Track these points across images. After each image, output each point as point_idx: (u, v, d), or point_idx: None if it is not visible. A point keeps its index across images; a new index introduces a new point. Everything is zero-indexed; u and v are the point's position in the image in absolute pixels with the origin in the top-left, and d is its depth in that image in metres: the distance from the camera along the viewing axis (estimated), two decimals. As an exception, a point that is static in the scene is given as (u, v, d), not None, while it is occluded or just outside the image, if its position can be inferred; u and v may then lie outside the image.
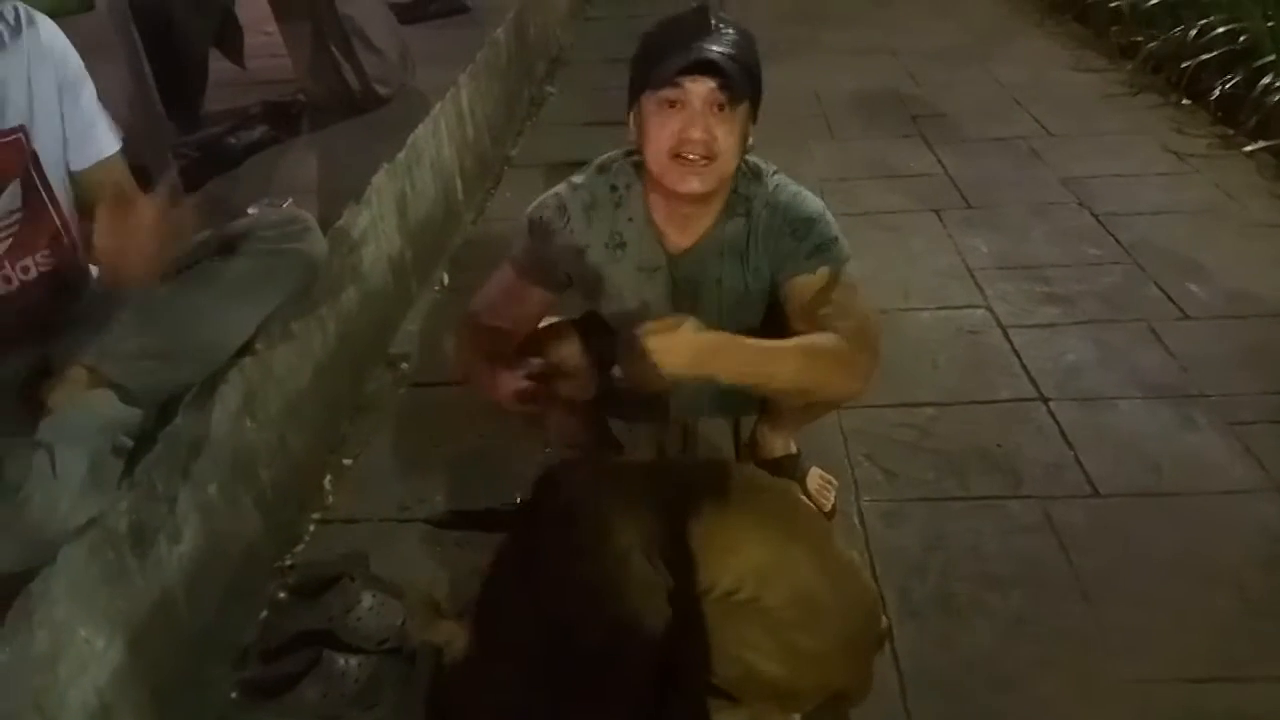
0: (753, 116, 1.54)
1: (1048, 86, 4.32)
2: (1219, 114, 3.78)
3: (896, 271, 2.88)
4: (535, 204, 1.68)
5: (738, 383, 1.45)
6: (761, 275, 1.63)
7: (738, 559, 1.46)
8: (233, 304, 1.67)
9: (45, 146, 1.52)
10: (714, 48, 1.42)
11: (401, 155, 2.75)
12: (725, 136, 1.47)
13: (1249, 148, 3.47)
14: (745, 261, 1.62)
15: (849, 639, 1.48)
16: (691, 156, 1.47)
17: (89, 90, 1.61)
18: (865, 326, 1.53)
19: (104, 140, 1.63)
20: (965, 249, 3.00)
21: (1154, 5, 4.35)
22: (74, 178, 1.61)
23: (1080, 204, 3.23)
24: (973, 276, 2.84)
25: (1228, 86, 3.70)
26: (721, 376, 1.42)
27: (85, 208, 1.62)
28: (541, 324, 1.73)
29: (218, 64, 3.02)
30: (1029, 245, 3.00)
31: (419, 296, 2.86)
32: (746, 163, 1.61)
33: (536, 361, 1.55)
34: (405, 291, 2.78)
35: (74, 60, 1.58)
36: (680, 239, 1.62)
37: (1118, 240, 2.98)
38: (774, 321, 1.65)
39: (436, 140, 3.07)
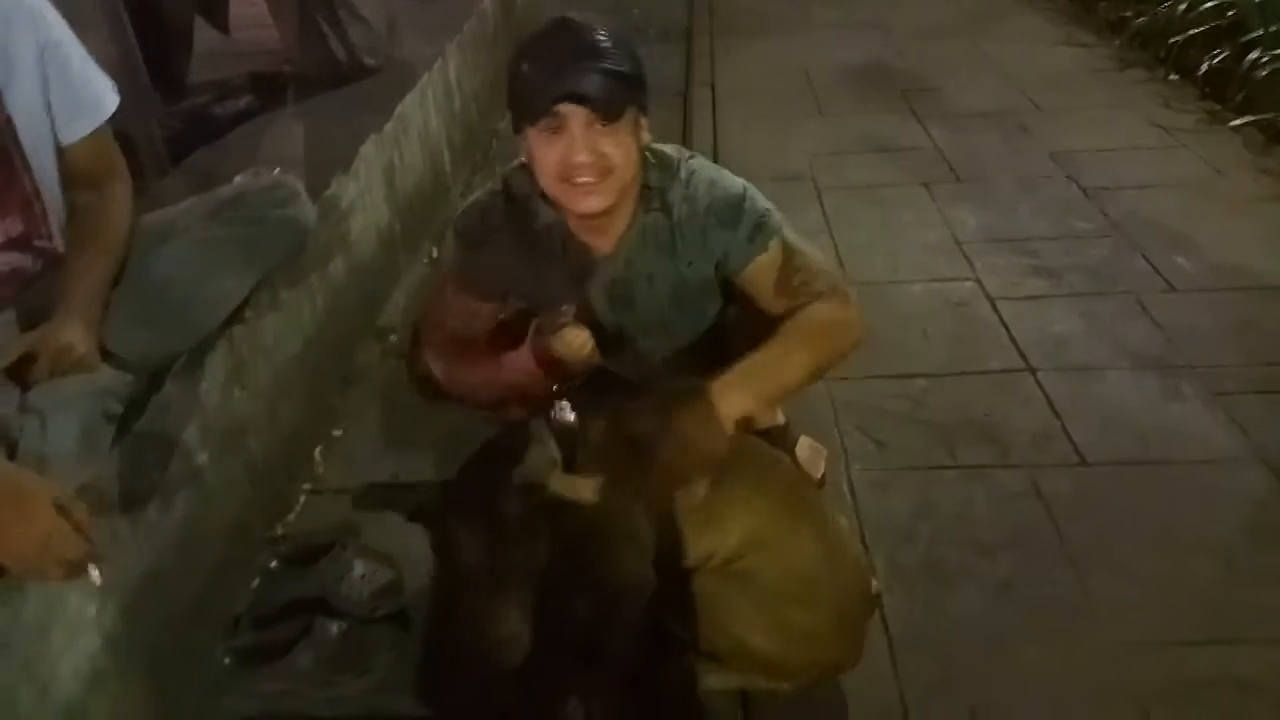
0: (644, 110, 1.47)
1: (1036, 61, 4.33)
2: (1206, 89, 3.80)
3: (886, 245, 2.89)
4: (459, 213, 1.62)
5: (774, 403, 1.46)
6: (697, 267, 1.57)
7: (738, 528, 1.45)
8: (221, 271, 1.66)
9: (22, 112, 1.49)
10: (586, 66, 1.35)
11: (389, 126, 2.73)
12: (614, 149, 1.41)
13: (1236, 122, 3.49)
14: (674, 254, 1.57)
15: (840, 616, 1.48)
16: (582, 180, 1.41)
17: (78, 55, 1.56)
18: (836, 277, 1.53)
19: (95, 111, 1.59)
20: (954, 222, 3.00)
21: (1142, -20, 4.37)
22: (63, 149, 1.57)
23: (1068, 178, 3.25)
24: (961, 249, 2.85)
25: (1215, 61, 3.71)
26: (760, 410, 1.41)
27: (71, 179, 1.59)
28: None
29: (203, 34, 2.98)
30: (1017, 219, 3.01)
31: (407, 269, 2.85)
32: (652, 154, 1.55)
33: (545, 328, 1.51)
34: (393, 263, 2.76)
35: (56, 24, 1.54)
36: (600, 243, 1.57)
37: (1105, 214, 2.99)
38: (727, 311, 1.63)
39: (424, 112, 3.05)
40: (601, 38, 1.39)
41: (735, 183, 1.56)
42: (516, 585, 1.24)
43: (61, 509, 1.17)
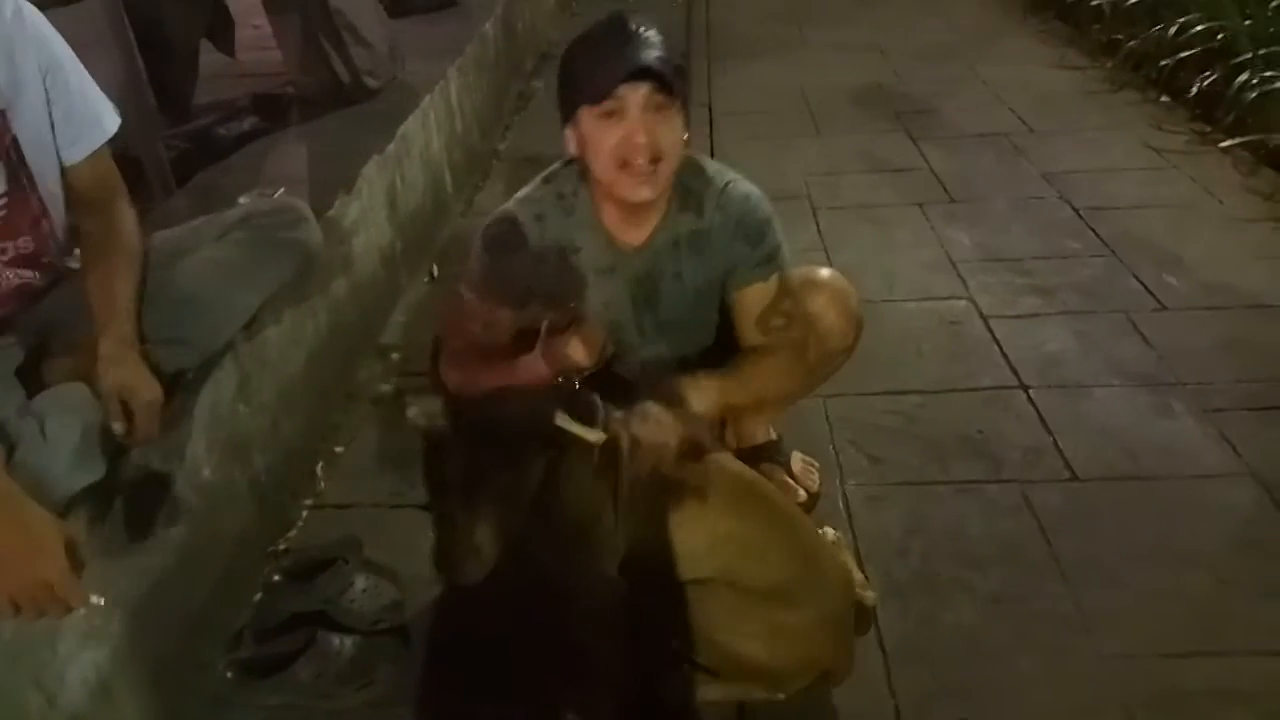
0: (685, 106, 1.55)
1: (1030, 83, 4.38)
2: (1197, 111, 3.85)
3: (881, 263, 2.93)
4: (486, 224, 1.68)
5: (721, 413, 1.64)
6: (717, 270, 1.67)
7: (714, 542, 1.48)
8: (230, 290, 1.69)
9: (27, 131, 1.51)
10: (646, 50, 1.45)
11: (391, 147, 2.78)
12: (667, 135, 1.49)
13: (1226, 143, 3.54)
14: (704, 255, 1.65)
15: (826, 615, 1.51)
16: (639, 162, 1.48)
17: (77, 76, 1.58)
18: (806, 335, 1.68)
19: (95, 132, 1.61)
20: (948, 241, 3.04)
21: (1134, 4, 4.43)
22: (65, 170, 1.59)
23: (1061, 198, 3.29)
24: (955, 268, 2.89)
25: (1206, 84, 3.76)
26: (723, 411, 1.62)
27: (74, 199, 1.62)
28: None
29: (208, 56, 3.03)
30: (1010, 238, 3.05)
31: (408, 288, 2.88)
32: (686, 157, 1.62)
33: (554, 333, 1.57)
34: (395, 282, 2.80)
35: (58, 44, 1.56)
36: (631, 238, 1.65)
37: (1097, 234, 3.03)
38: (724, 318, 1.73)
39: (426, 133, 3.10)
40: (654, 33, 1.49)
41: (765, 204, 1.66)
42: (491, 504, 1.28)
43: (69, 550, 1.20)
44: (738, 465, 1.60)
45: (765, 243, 1.63)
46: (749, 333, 1.66)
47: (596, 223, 1.63)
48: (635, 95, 1.45)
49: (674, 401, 1.49)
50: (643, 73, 1.43)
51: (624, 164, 1.49)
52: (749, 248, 1.62)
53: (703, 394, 1.54)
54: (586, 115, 1.50)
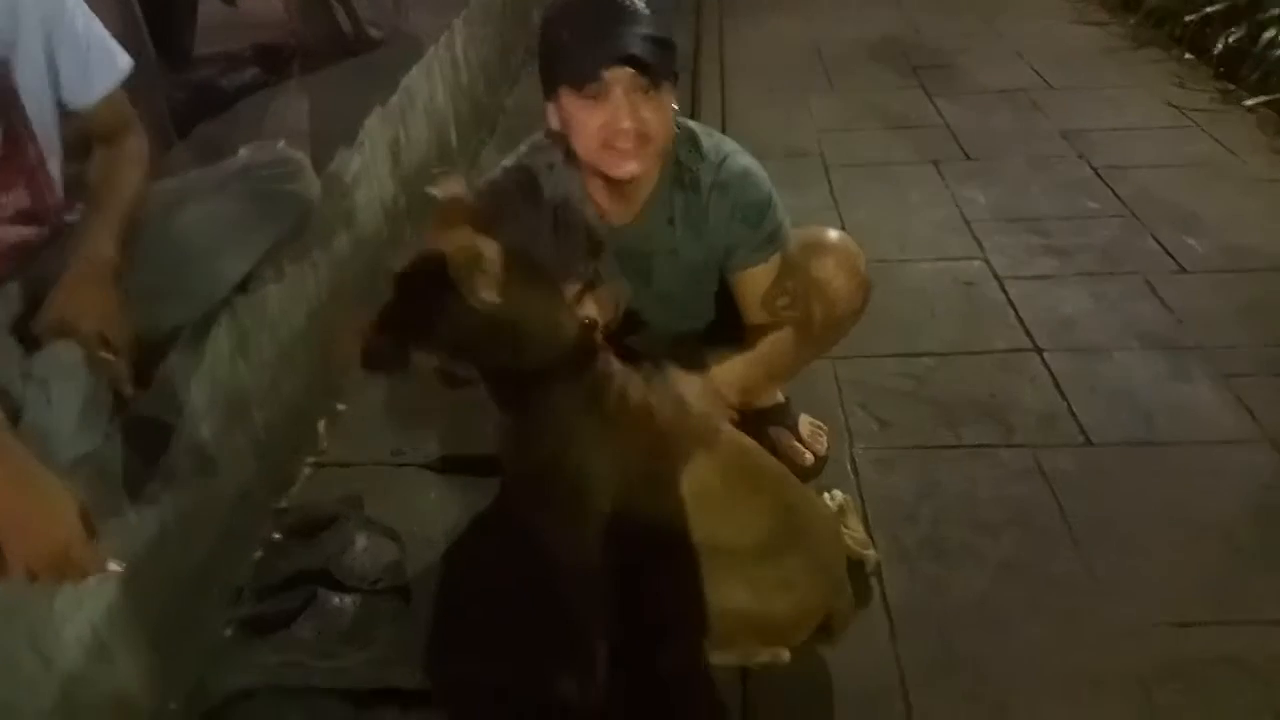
0: (675, 80, 1.50)
1: (1050, 39, 4.29)
2: (1221, 69, 3.76)
3: (894, 222, 2.87)
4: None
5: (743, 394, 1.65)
6: (716, 250, 1.63)
7: (697, 501, 1.45)
8: (225, 244, 1.65)
9: (27, 81, 1.47)
10: (631, 32, 1.37)
11: (395, 99, 2.72)
12: (654, 116, 1.44)
13: (1250, 102, 3.46)
14: (701, 233, 1.61)
15: (813, 562, 1.48)
16: (624, 146, 1.43)
17: (83, 19, 1.54)
18: (810, 315, 1.64)
19: (110, 73, 1.58)
20: (963, 201, 2.99)
21: (1158, -42, 4.31)
22: (71, 112, 1.56)
23: (1080, 157, 3.22)
24: (970, 228, 2.83)
25: (1230, 41, 3.68)
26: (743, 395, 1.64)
27: (85, 142, 1.59)
28: None
29: (208, 5, 2.97)
30: (1027, 198, 3.00)
31: (412, 243, 2.84)
32: (680, 128, 1.58)
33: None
34: (397, 237, 2.75)
35: None
36: (621, 213, 1.61)
37: (1116, 193, 2.97)
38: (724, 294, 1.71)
39: (430, 85, 3.04)
40: (640, 4, 1.42)
41: (765, 182, 1.61)
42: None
43: (84, 516, 1.18)
44: (725, 425, 1.57)
45: (766, 224, 1.58)
46: (753, 313, 1.63)
47: (584, 197, 1.59)
48: (620, 78, 1.39)
49: (702, 378, 1.49)
50: (627, 59, 1.37)
51: (607, 145, 1.44)
52: (749, 229, 1.58)
53: (730, 372, 1.55)
54: (568, 94, 1.44)
